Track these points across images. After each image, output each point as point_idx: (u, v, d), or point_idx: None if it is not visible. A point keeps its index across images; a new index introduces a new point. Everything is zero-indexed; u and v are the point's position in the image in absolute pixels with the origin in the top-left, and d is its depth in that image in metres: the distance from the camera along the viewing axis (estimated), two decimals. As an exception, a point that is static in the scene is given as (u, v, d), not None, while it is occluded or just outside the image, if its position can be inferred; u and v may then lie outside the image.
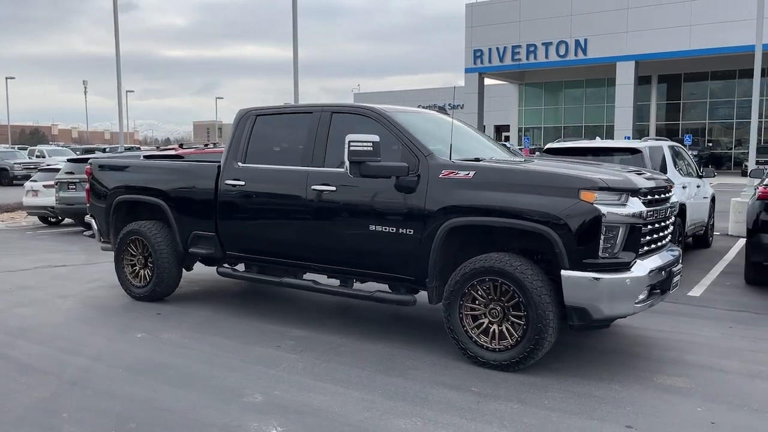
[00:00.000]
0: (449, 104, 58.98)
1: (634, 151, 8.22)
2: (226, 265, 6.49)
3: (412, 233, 5.11)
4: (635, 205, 4.55)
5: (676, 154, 9.41)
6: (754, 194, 7.74)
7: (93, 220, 7.47)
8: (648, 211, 4.64)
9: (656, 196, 4.92)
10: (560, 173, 4.71)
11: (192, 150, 12.97)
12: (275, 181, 5.95)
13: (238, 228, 6.22)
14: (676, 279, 5.06)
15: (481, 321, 4.85)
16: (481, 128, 37.52)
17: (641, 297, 4.57)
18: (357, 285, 5.90)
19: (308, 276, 6.09)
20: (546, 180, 4.67)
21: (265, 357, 5.09)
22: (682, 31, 30.68)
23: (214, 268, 7.59)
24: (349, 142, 5.05)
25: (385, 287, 5.61)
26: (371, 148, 5.02)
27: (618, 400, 4.22)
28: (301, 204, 5.72)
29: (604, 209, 4.42)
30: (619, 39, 32.12)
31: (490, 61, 36.16)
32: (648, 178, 5.02)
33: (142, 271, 6.97)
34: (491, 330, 4.80)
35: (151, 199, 6.81)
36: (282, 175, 5.91)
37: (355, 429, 3.77)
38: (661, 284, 4.79)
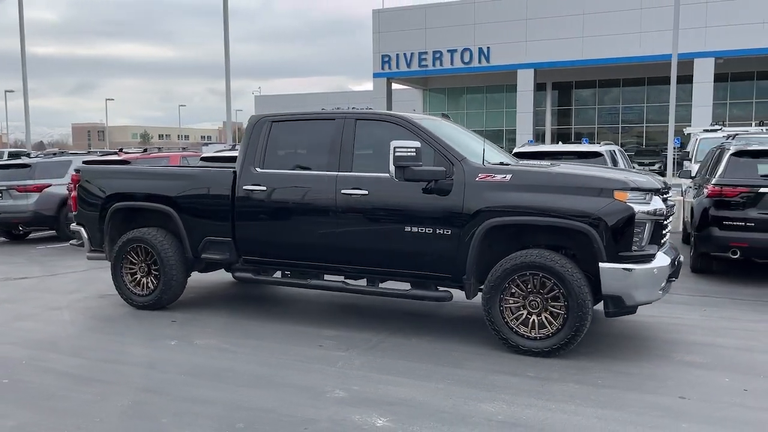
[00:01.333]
0: (353, 108, 59.56)
1: (596, 155, 9.02)
2: (260, 271, 6.53)
3: (449, 233, 5.46)
4: (657, 203, 5.16)
5: (621, 158, 10.36)
6: (699, 193, 8.72)
7: (82, 229, 7.21)
8: (666, 208, 5.27)
9: (665, 195, 5.56)
10: (594, 175, 5.25)
11: (138, 155, 12.59)
12: (302, 186, 6.09)
13: (258, 233, 6.29)
14: (680, 269, 5.74)
15: (521, 312, 5.28)
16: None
17: (662, 285, 5.19)
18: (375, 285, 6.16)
19: (324, 278, 6.30)
20: (581, 182, 5.18)
21: (317, 356, 5.26)
22: (576, 42, 32.93)
23: (202, 275, 7.64)
24: (395, 148, 5.34)
25: (406, 285, 5.92)
26: (414, 154, 5.33)
27: (657, 376, 4.79)
28: (331, 208, 5.90)
29: (636, 207, 4.98)
30: (520, 48, 33.95)
31: (397, 67, 37.03)
32: (655, 180, 5.66)
33: (144, 279, 6.84)
34: (530, 320, 5.25)
35: (157, 206, 6.71)
36: (309, 180, 6.07)
37: (451, 414, 4.08)
38: (673, 273, 5.44)
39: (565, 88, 40.38)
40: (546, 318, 5.20)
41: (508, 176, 5.34)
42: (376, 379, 4.73)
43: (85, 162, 12.50)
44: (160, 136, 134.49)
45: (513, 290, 5.27)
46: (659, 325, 6.19)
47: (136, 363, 5.10)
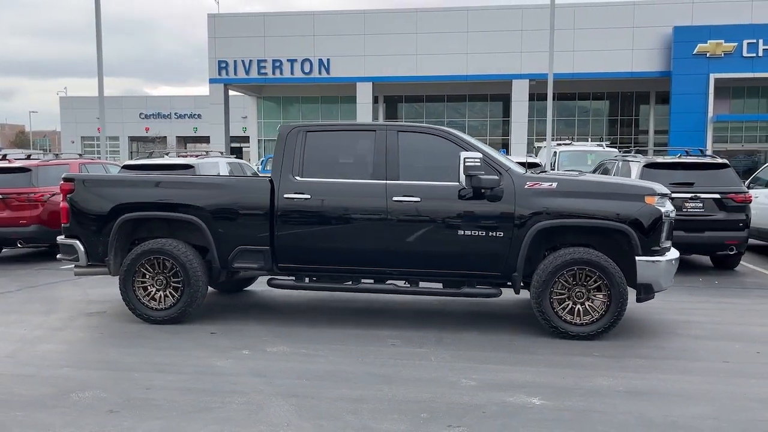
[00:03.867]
0: (175, 113, 56.99)
1: (536, 165, 10.20)
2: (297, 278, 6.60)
3: (501, 235, 6.10)
4: (669, 205, 6.27)
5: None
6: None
7: (78, 242, 6.67)
8: (673, 210, 6.40)
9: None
10: (627, 183, 6.24)
11: (37, 162, 11.38)
12: (350, 194, 6.32)
13: (301, 240, 6.38)
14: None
15: (566, 303, 6.08)
16: (228, 140, 37.52)
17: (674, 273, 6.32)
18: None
19: (351, 281, 6.60)
20: (617, 189, 6.14)
21: (402, 353, 5.59)
22: (410, 59, 35.05)
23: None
24: (465, 158, 5.88)
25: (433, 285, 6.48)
26: (480, 164, 5.91)
27: (687, 348, 5.86)
28: (381, 214, 6.22)
29: (662, 209, 6.04)
30: (359, 61, 35.28)
31: (235, 73, 36.40)
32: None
33: (160, 292, 6.54)
34: (575, 309, 6.07)
35: (181, 216, 6.48)
36: (357, 188, 6.32)
37: (583, 390, 4.72)
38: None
39: (395, 101, 42.57)
40: (589, 306, 6.05)
41: (554, 184, 6.12)
42: (482, 368, 5.20)
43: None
44: None
45: (561, 283, 6.05)
46: (637, 310, 7.33)
47: (238, 373, 5.04)
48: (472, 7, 35.02)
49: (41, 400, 4.46)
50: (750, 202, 9.58)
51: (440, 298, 7.52)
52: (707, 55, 32.55)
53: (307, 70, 35.98)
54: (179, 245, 6.50)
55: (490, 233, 6.11)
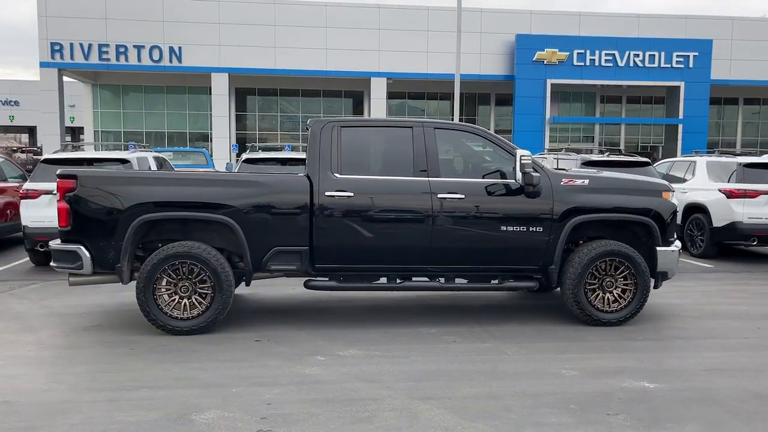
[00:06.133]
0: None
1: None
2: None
3: (541, 230, 6.35)
4: (675, 200, 6.92)
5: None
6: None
7: (82, 248, 5.82)
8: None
9: None
10: (647, 180, 6.77)
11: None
12: (395, 191, 6.19)
13: (343, 239, 6.13)
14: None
15: (597, 292, 6.49)
16: (64, 130, 34.05)
17: (677, 262, 7.00)
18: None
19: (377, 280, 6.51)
20: (639, 185, 6.65)
21: (476, 350, 5.63)
22: (269, 52, 34.31)
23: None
24: (521, 156, 6.03)
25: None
26: (531, 161, 6.10)
27: (702, 328, 6.51)
28: (426, 212, 6.18)
29: (675, 203, 6.67)
30: (214, 51, 33.76)
31: (72, 58, 33.04)
32: None
33: (186, 300, 5.93)
34: (604, 297, 6.50)
35: (211, 216, 5.92)
36: (403, 185, 6.21)
37: (672, 371, 5.11)
38: (671, 254, 7.27)
39: (245, 93, 41.33)
40: (617, 294, 6.51)
41: (586, 181, 6.49)
42: (564, 358, 5.39)
43: None
44: None
45: (593, 274, 6.44)
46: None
47: (341, 380, 4.78)
48: (331, 2, 35.08)
49: (164, 424, 3.92)
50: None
51: (444, 295, 7.63)
52: (545, 62, 35.60)
53: (156, 57, 33.68)
54: (208, 249, 5.94)
55: (531, 228, 6.33)
